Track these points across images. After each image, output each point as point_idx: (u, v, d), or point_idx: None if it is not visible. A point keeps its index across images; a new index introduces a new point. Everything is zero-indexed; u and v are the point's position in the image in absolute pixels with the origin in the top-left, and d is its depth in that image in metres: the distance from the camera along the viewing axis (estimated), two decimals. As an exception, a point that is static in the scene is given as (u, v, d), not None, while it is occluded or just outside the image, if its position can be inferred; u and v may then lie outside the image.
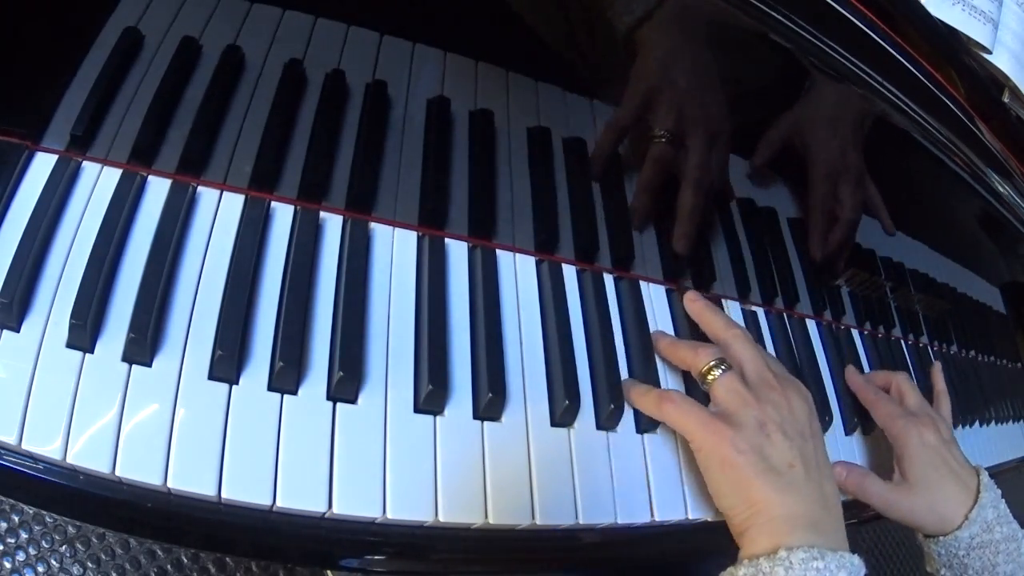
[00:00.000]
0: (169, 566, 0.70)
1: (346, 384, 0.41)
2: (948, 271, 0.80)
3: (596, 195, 0.55)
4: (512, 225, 0.52)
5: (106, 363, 0.38)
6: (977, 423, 0.86)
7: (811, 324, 0.68)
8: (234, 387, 0.40)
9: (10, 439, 0.35)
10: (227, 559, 0.72)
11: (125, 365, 0.38)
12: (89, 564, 0.68)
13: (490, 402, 0.45)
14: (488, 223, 0.51)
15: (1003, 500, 0.59)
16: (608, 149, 0.54)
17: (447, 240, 0.50)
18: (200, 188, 0.45)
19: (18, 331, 0.37)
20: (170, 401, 0.38)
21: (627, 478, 0.48)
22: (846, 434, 0.64)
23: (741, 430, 0.46)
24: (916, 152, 0.58)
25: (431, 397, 0.43)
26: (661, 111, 0.51)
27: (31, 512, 0.68)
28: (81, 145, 0.43)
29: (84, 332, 0.37)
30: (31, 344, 0.37)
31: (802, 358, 0.64)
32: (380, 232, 0.49)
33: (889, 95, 0.53)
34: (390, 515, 0.40)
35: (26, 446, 0.35)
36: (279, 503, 0.38)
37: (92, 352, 0.38)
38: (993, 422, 0.90)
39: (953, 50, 0.56)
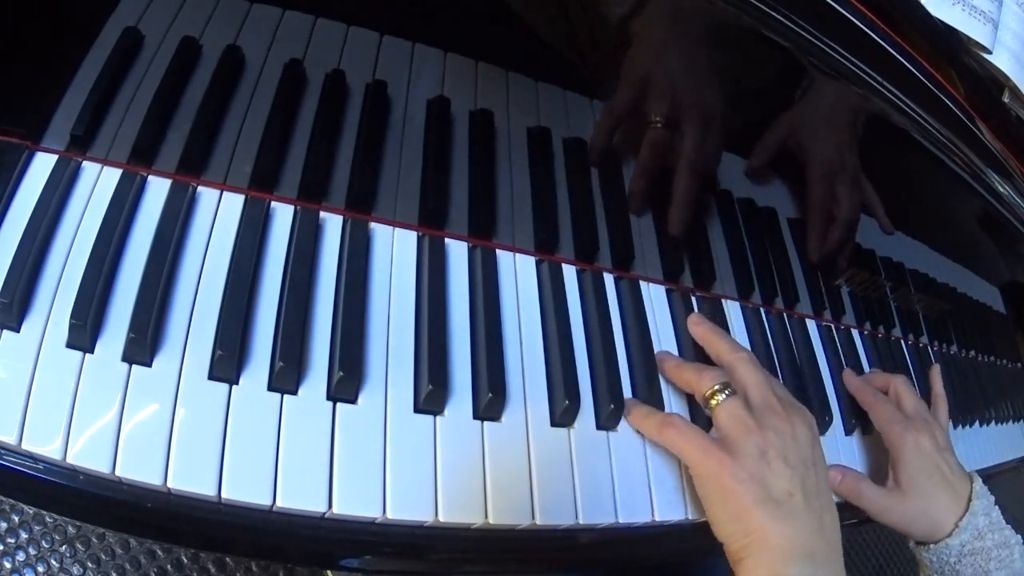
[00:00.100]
0: (169, 566, 0.70)
1: (346, 384, 0.41)
2: (948, 271, 0.80)
3: (596, 195, 0.55)
4: (512, 225, 0.52)
5: (106, 363, 0.38)
6: (977, 423, 0.86)
7: (811, 324, 0.68)
8: (234, 387, 0.40)
9: (10, 439, 0.35)
10: (227, 559, 0.72)
11: (125, 365, 0.38)
12: (89, 564, 0.68)
13: (490, 402, 0.45)
14: (488, 223, 0.51)
15: (996, 507, 0.59)
16: (605, 136, 0.54)
17: (447, 240, 0.50)
18: (200, 188, 0.45)
19: (18, 331, 0.37)
20: (170, 401, 0.38)
21: (627, 478, 0.48)
22: (846, 434, 0.65)
23: (741, 458, 0.45)
24: (916, 152, 0.58)
25: (431, 397, 0.43)
26: (655, 97, 0.51)
27: (31, 512, 0.68)
28: (81, 145, 0.43)
29: (84, 332, 0.37)
30: (31, 344, 0.37)
31: (802, 358, 0.64)
32: (380, 232, 0.49)
33: (889, 95, 0.53)
34: (390, 515, 0.40)
35: (26, 446, 0.35)
36: (279, 503, 0.38)
37: (92, 352, 0.38)
38: (993, 422, 0.90)
39: (953, 50, 0.56)
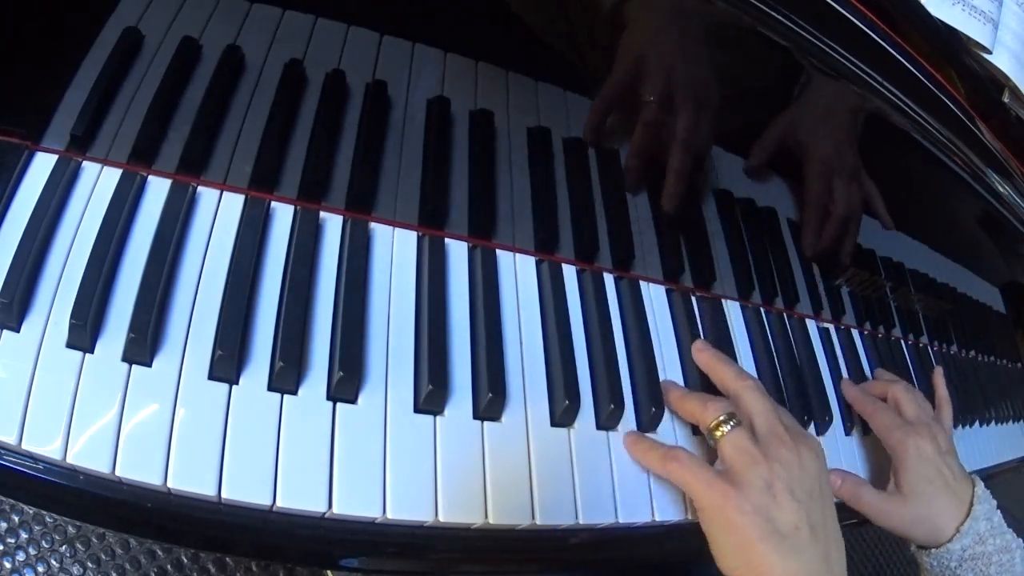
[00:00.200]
0: (169, 566, 0.70)
1: (346, 384, 0.41)
2: (948, 271, 0.80)
3: (596, 195, 0.55)
4: (512, 225, 0.52)
5: (106, 363, 0.38)
6: (977, 423, 0.86)
7: (811, 324, 0.68)
8: (234, 387, 0.40)
9: (10, 439, 0.35)
10: (227, 559, 0.72)
11: (125, 365, 0.38)
12: (89, 564, 0.68)
13: (490, 402, 0.45)
14: (488, 223, 0.51)
15: (998, 512, 0.59)
16: (600, 116, 0.54)
17: (447, 240, 0.50)
18: (200, 188, 0.45)
19: (18, 331, 0.37)
20: (170, 401, 0.38)
21: (627, 478, 0.48)
22: (845, 434, 0.65)
23: (746, 491, 0.44)
24: (916, 152, 0.58)
25: (431, 397, 0.43)
26: (649, 78, 0.51)
27: (31, 512, 0.68)
28: (81, 145, 0.43)
29: (84, 332, 0.37)
30: (31, 344, 0.37)
31: (802, 358, 0.64)
32: (380, 232, 0.49)
33: (889, 95, 0.53)
34: (390, 515, 0.40)
35: (26, 446, 0.35)
36: (279, 503, 0.38)
37: (92, 352, 0.38)
38: (993, 422, 0.90)
39: (953, 50, 0.56)
